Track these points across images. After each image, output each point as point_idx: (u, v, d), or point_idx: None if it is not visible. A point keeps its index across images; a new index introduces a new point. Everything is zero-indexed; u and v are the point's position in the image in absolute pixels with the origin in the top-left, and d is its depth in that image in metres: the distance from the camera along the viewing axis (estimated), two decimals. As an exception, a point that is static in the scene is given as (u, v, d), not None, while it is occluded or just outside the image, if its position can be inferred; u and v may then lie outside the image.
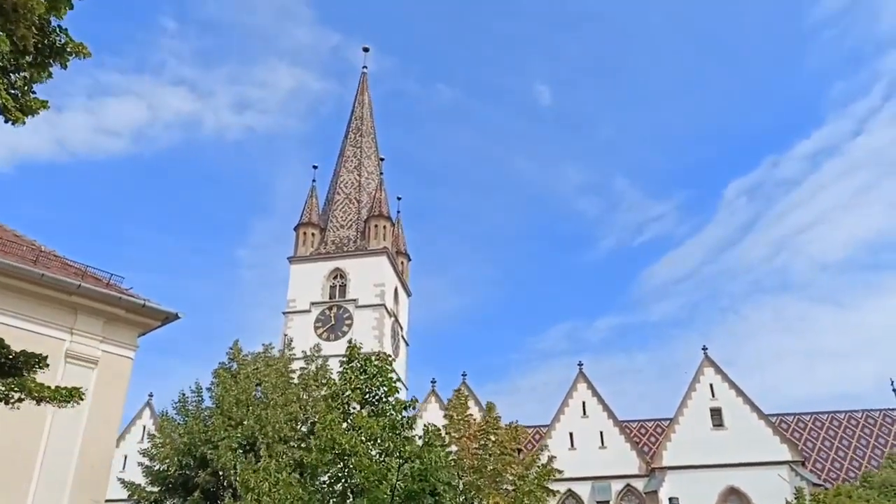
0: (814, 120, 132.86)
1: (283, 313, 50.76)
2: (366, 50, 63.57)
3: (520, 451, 37.93)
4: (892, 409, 45.96)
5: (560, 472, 26.16)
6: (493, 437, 22.86)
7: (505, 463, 22.29)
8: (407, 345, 54.33)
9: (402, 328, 53.56)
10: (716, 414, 43.03)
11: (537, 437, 47.72)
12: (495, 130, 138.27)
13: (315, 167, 56.16)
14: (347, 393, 14.68)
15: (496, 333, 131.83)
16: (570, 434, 44.90)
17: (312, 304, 50.72)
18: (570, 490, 43.48)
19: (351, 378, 14.83)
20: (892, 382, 46.83)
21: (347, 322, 49.95)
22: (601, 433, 44.57)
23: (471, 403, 38.98)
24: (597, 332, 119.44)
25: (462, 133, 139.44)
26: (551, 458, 27.24)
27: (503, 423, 24.69)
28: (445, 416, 24.40)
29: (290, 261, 52.71)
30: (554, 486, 42.32)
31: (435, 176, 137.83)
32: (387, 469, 12.89)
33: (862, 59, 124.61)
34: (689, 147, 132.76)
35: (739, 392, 43.31)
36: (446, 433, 22.87)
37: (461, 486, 21.69)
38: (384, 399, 14.55)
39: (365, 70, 62.20)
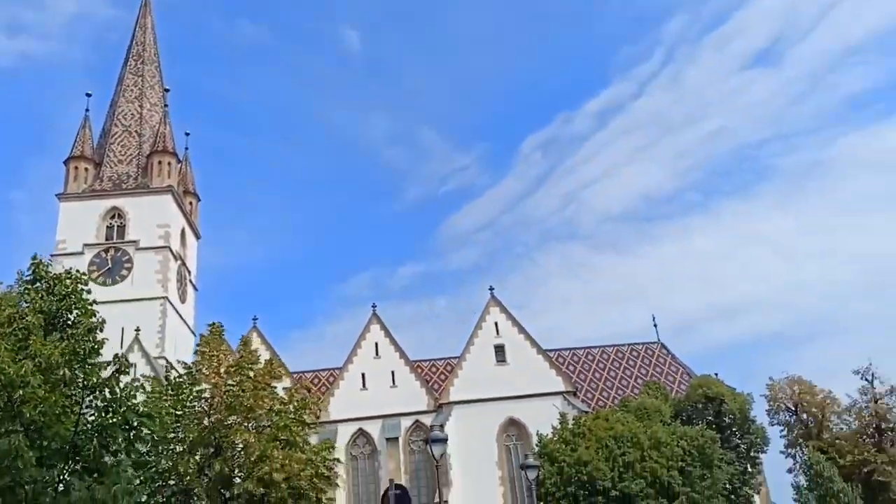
0: (602, 80, 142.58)
1: (51, 256, 45.58)
2: (150, -32, 57.76)
3: (309, 390, 37.50)
4: (653, 343, 50.88)
5: (317, 404, 25.72)
6: (250, 374, 21.93)
7: (258, 398, 21.49)
8: (196, 289, 51.39)
9: (189, 272, 50.47)
10: (499, 350, 45.07)
11: (331, 379, 47.48)
12: (304, 74, 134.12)
13: (89, 95, 50.62)
14: (28, 317, 12.90)
15: (301, 281, 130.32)
16: (363, 375, 45.08)
17: (86, 245, 46.31)
18: (360, 429, 43.84)
19: (35, 299, 13.05)
20: (654, 319, 52.23)
21: (127, 265, 46.25)
22: (392, 373, 45.18)
23: (260, 347, 37.98)
24: (400, 280, 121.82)
25: (269, 74, 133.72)
26: (310, 391, 26.78)
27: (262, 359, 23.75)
28: (196, 352, 22.93)
29: (58, 198, 47.53)
30: (345, 428, 42.97)
31: (240, 117, 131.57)
32: (70, 402, 11.51)
33: (645, 24, 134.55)
34: (491, 101, 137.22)
35: (521, 329, 45.61)
36: (196, 370, 21.58)
37: (210, 425, 20.57)
38: (76, 324, 12.99)
39: (148, -10, 56.61)
